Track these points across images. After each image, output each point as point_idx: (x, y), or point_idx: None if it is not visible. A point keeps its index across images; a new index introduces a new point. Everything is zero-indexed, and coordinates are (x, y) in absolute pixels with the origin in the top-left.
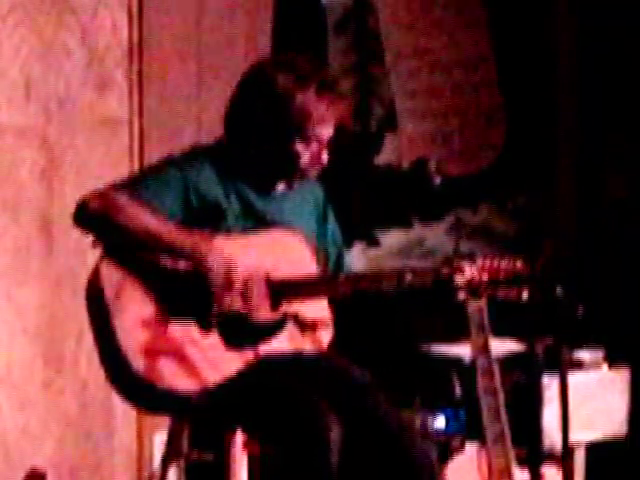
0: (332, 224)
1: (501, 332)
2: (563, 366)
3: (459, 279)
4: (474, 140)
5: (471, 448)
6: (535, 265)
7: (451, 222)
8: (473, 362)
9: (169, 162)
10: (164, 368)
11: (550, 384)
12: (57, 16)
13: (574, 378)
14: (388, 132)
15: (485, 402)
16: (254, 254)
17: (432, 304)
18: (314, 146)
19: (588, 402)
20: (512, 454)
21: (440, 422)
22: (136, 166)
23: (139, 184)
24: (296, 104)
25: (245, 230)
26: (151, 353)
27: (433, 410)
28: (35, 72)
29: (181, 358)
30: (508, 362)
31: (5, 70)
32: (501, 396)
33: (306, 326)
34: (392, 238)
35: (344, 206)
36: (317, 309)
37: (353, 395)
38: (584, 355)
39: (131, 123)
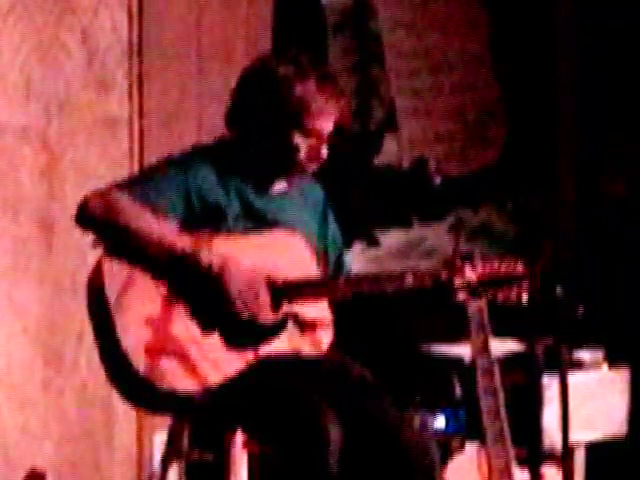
0: (332, 225)
1: (501, 332)
2: (563, 366)
3: (459, 280)
4: (474, 140)
5: (471, 448)
6: (535, 265)
7: (451, 222)
8: (473, 362)
9: (170, 162)
10: (164, 368)
11: (550, 384)
12: (57, 16)
13: (574, 378)
14: (388, 132)
15: (485, 402)
16: (255, 255)
17: (432, 304)
18: (313, 140)
19: (588, 402)
20: (512, 454)
21: (440, 422)
22: (136, 166)
23: (140, 184)
24: (296, 95)
25: (246, 230)
26: (152, 352)
27: (433, 410)
28: (35, 72)
29: (182, 358)
30: (508, 362)
31: (5, 70)
32: (501, 396)
33: (306, 326)
34: (392, 238)
35: (344, 206)
36: (317, 309)
37: (353, 395)
38: (584, 355)
39: (131, 123)
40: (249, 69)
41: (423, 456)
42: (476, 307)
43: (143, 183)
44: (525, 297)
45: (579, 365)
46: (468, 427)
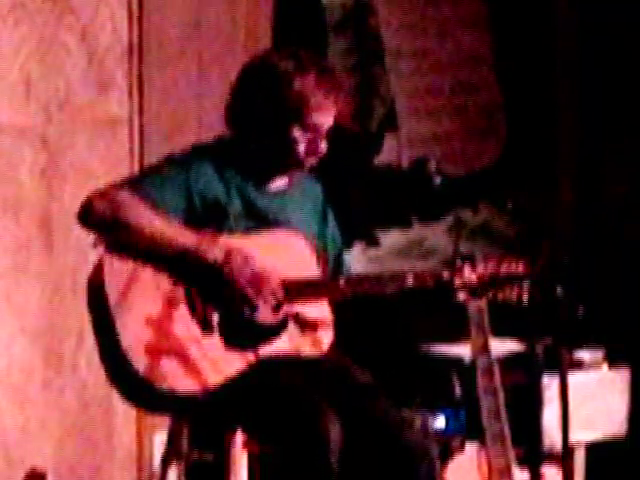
0: (331, 223)
1: (501, 332)
2: (563, 366)
3: (459, 280)
4: (474, 140)
5: (471, 448)
6: (535, 265)
7: (451, 222)
8: (473, 362)
9: (171, 161)
10: (164, 368)
11: (550, 384)
12: (57, 16)
13: (574, 378)
14: (388, 132)
15: (485, 402)
16: (256, 255)
17: (432, 304)
18: (312, 134)
19: (588, 402)
20: (512, 454)
21: (440, 422)
22: (136, 166)
23: (142, 183)
24: (295, 88)
25: (247, 230)
26: (152, 352)
27: (433, 410)
28: (35, 72)
29: (182, 358)
30: (508, 362)
31: (5, 70)
32: (501, 396)
33: (307, 326)
34: (392, 238)
35: (344, 206)
36: (318, 309)
37: (353, 395)
38: (584, 355)
39: (131, 123)
40: (248, 65)
41: (423, 456)
42: (476, 307)
43: (144, 183)
44: (526, 297)
45: (579, 365)
46: (468, 427)
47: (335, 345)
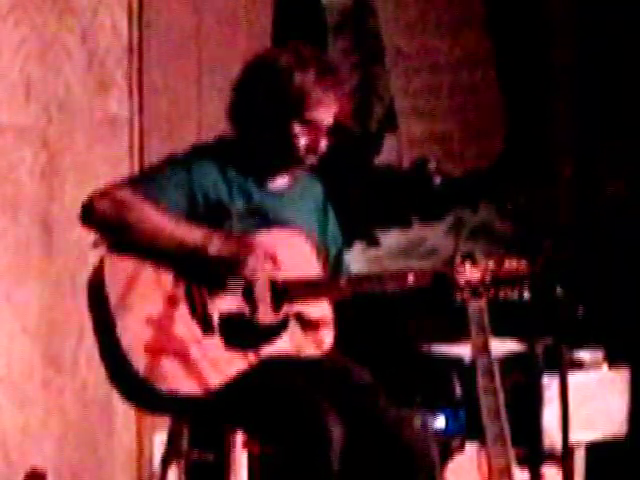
0: (332, 222)
1: (501, 332)
2: (563, 366)
3: (460, 280)
4: (474, 140)
5: (471, 448)
6: (535, 265)
7: (451, 222)
8: (473, 362)
9: (172, 161)
10: (165, 368)
11: (550, 384)
12: (57, 16)
13: (574, 378)
14: (388, 132)
15: (485, 402)
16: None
17: (432, 304)
18: (312, 131)
19: (588, 402)
20: (512, 454)
21: (440, 422)
22: (136, 166)
23: (144, 183)
24: (295, 83)
25: (249, 229)
26: (152, 353)
27: (433, 410)
28: (35, 72)
29: (183, 359)
30: (508, 362)
31: (5, 70)
32: (501, 396)
33: (308, 326)
34: (392, 238)
35: (344, 206)
36: (319, 309)
37: (354, 395)
38: (584, 355)
39: (131, 123)
40: (250, 61)
41: (423, 456)
42: (476, 307)
43: (146, 182)
44: (527, 294)
45: (579, 365)
46: (468, 427)
47: (335, 345)
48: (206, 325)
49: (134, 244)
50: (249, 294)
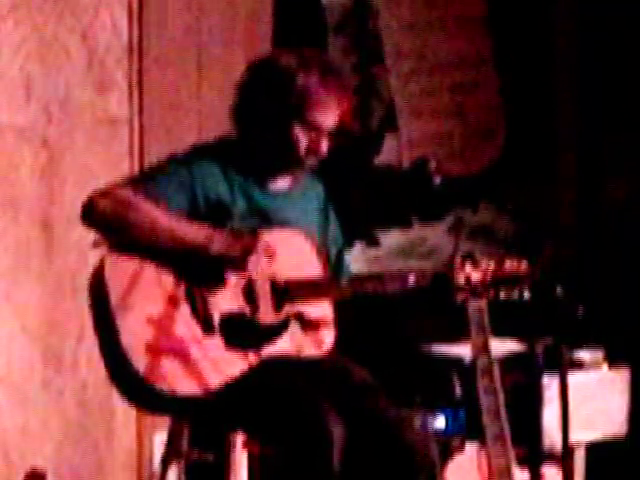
0: (333, 223)
1: (501, 332)
2: (563, 366)
3: (460, 280)
4: (474, 140)
5: (471, 448)
6: (535, 265)
7: (451, 222)
8: (473, 362)
9: (174, 161)
10: (165, 368)
11: (550, 384)
12: (57, 16)
13: (574, 378)
14: (388, 132)
15: (485, 402)
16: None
17: (432, 304)
18: (313, 133)
19: (588, 402)
20: (512, 454)
21: (440, 422)
22: (136, 166)
23: (145, 182)
24: (297, 84)
25: (250, 228)
26: (152, 353)
27: (433, 410)
28: (35, 72)
29: (183, 359)
30: (508, 362)
31: (5, 70)
32: (501, 396)
33: (308, 326)
34: (392, 238)
35: (344, 206)
36: (320, 309)
37: (354, 395)
38: (584, 355)
39: (131, 123)
40: (254, 62)
41: (423, 456)
42: (476, 307)
43: (147, 182)
44: (527, 294)
45: (579, 365)
46: (468, 427)
47: (336, 345)
48: (207, 325)
49: (134, 243)
50: (250, 294)
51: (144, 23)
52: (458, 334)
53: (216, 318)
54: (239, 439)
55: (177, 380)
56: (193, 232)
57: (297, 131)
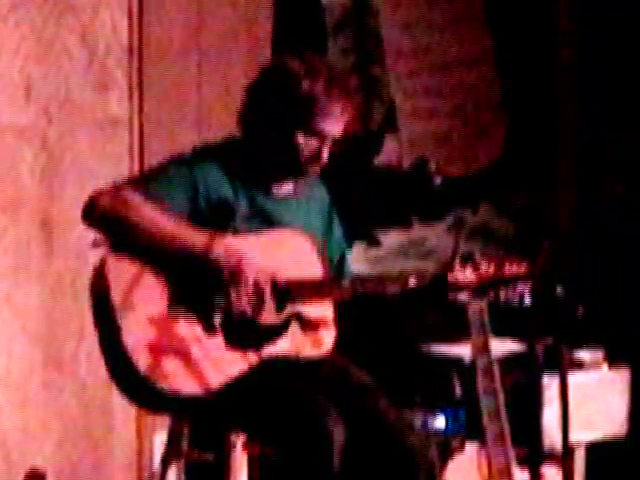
0: (337, 229)
1: (501, 332)
2: (563, 366)
3: (460, 280)
4: (474, 140)
5: (471, 448)
6: (535, 265)
7: (451, 222)
8: (473, 362)
9: (177, 161)
10: (166, 368)
11: (550, 384)
12: (57, 16)
13: (574, 378)
14: (388, 132)
15: (485, 402)
16: (260, 254)
17: (432, 304)
18: (315, 140)
19: (588, 402)
20: (512, 454)
21: (440, 422)
22: (136, 166)
23: (147, 183)
24: (302, 91)
25: (252, 230)
26: (154, 352)
27: (433, 410)
28: (35, 72)
29: (184, 358)
30: (508, 362)
31: (5, 70)
32: (501, 396)
33: (307, 326)
34: (392, 238)
35: (344, 206)
36: (318, 309)
37: (354, 395)
38: (584, 355)
39: (131, 123)
40: (265, 65)
41: (423, 456)
42: (476, 307)
43: (150, 182)
44: (528, 299)
45: (579, 365)
46: (468, 427)
47: (336, 345)
48: (208, 325)
49: (134, 244)
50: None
51: (144, 23)
52: (458, 334)
53: (217, 318)
54: (239, 439)
55: (178, 379)
56: (192, 237)
57: (300, 139)
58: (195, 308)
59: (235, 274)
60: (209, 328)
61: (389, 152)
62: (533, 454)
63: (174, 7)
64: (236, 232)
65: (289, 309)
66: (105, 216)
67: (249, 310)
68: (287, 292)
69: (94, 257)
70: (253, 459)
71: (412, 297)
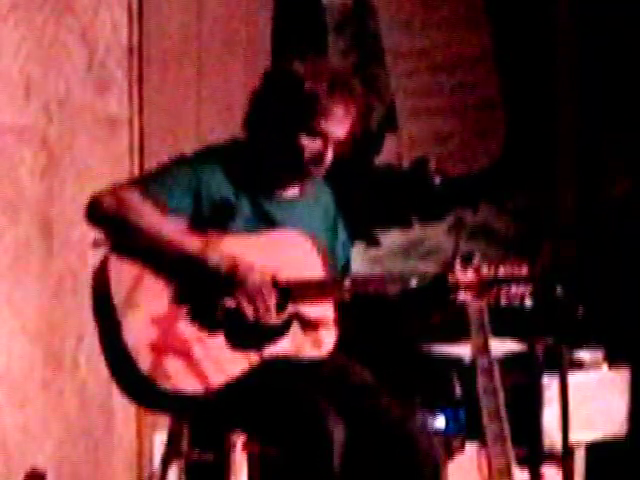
0: (342, 230)
1: (501, 332)
2: (563, 366)
3: (460, 280)
4: (474, 140)
5: (471, 448)
6: (535, 265)
7: (451, 222)
8: (473, 362)
9: (181, 161)
10: (168, 367)
11: (550, 384)
12: (57, 16)
13: (574, 378)
14: (388, 132)
15: (485, 402)
16: (261, 254)
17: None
18: (318, 142)
19: (588, 402)
20: (512, 454)
21: (440, 422)
22: (136, 166)
23: (150, 183)
24: (306, 91)
25: (253, 230)
26: (156, 352)
27: (433, 410)
28: (35, 72)
29: (186, 358)
30: (508, 362)
31: (5, 70)
32: (501, 396)
33: (307, 326)
34: (392, 238)
35: (344, 206)
36: (320, 309)
37: (355, 395)
38: (584, 355)
39: (131, 123)
40: (266, 70)
41: (427, 455)
42: (476, 307)
43: (153, 182)
44: (528, 300)
45: (579, 365)
46: (468, 427)
47: (337, 344)
48: (210, 324)
49: (135, 245)
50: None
51: (144, 23)
52: (458, 334)
53: (219, 318)
54: (239, 439)
55: (179, 379)
56: (189, 244)
57: (303, 139)
58: (196, 308)
59: (232, 278)
60: (211, 327)
61: (389, 152)
62: (533, 454)
63: (174, 7)
64: (237, 233)
65: (290, 309)
66: (106, 215)
67: (260, 312)
68: (288, 292)
69: (95, 257)
70: (253, 459)
71: (413, 297)
